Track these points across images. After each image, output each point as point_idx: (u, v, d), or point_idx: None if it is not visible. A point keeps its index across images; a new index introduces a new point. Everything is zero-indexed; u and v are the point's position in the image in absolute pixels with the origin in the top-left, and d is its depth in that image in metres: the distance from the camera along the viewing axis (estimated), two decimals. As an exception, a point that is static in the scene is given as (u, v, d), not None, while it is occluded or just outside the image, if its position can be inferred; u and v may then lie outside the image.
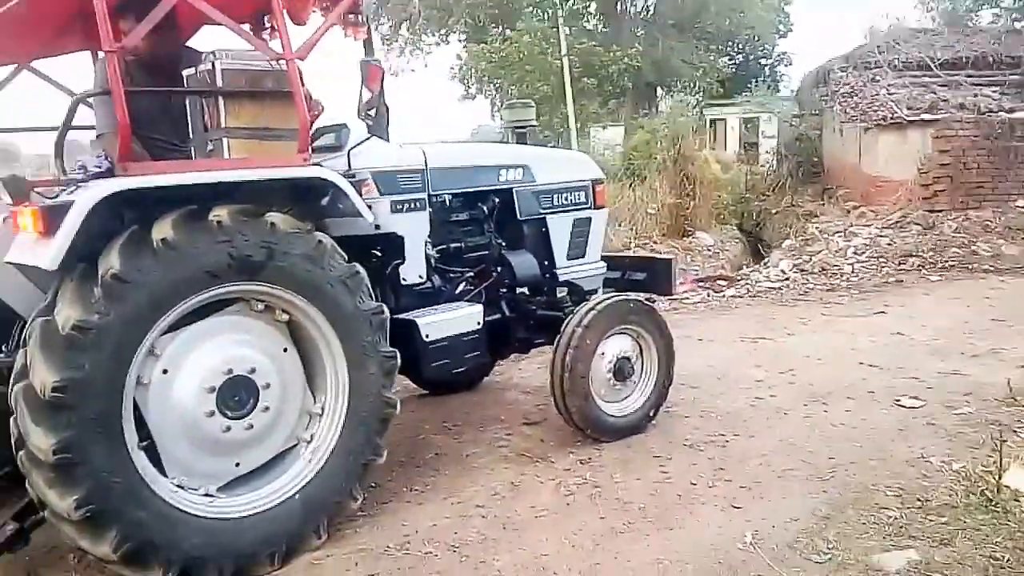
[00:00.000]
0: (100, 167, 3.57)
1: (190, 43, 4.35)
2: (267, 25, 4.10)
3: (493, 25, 24.90)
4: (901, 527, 3.57)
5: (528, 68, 21.89)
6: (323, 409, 3.68)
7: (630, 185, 14.79)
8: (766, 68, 33.02)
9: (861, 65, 15.30)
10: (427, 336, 4.23)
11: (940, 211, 11.56)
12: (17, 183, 3.28)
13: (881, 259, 10.40)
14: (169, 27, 3.82)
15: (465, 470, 4.50)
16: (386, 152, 4.35)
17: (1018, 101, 12.89)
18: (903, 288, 9.47)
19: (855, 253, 10.62)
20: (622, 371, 4.76)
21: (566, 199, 5.20)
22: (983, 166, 11.69)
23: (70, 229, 2.96)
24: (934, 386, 5.55)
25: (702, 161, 14.33)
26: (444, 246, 4.67)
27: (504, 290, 4.97)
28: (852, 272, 10.13)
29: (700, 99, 25.22)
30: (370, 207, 4.20)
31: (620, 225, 12.78)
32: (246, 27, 4.02)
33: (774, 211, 15.28)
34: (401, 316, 4.28)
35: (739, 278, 10.52)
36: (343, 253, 3.62)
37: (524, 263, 4.99)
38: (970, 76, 14.09)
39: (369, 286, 3.72)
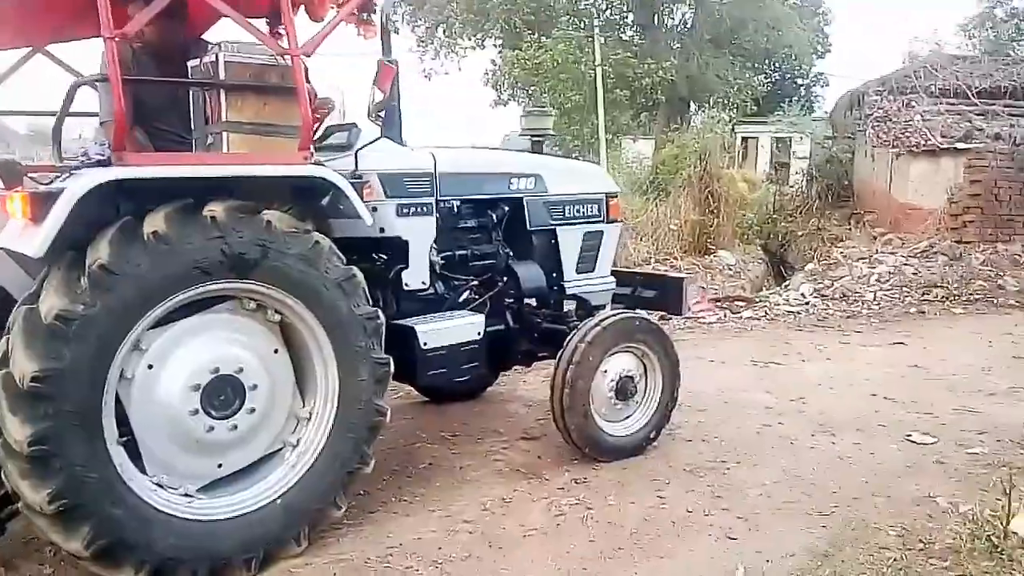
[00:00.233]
0: (102, 155, 3.53)
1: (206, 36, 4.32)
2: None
3: (529, 31, 24.82)
4: (900, 570, 3.45)
5: (561, 76, 21.85)
6: (311, 414, 3.61)
7: (655, 200, 14.65)
8: (802, 88, 32.66)
9: (897, 90, 15.02)
10: (425, 344, 4.16)
11: (968, 243, 11.30)
12: (11, 168, 3.24)
13: (905, 288, 10.18)
14: (179, 17, 3.79)
15: (457, 483, 4.41)
16: (395, 154, 4.28)
17: (1055, 134, 12.58)
18: (925, 319, 9.26)
19: (878, 281, 10.40)
20: (625, 390, 4.65)
21: (578, 211, 5.11)
22: (1014, 199, 11.42)
23: (58, 217, 2.91)
24: (947, 423, 5.38)
25: (728, 179, 14.15)
26: (450, 253, 4.59)
27: (509, 301, 4.88)
28: (874, 300, 9.92)
29: (733, 116, 24.99)
30: (375, 210, 4.15)
31: (642, 240, 12.66)
32: (261, 22, 3.98)
33: (800, 233, 15.03)
34: (400, 322, 4.21)
35: (757, 300, 10.34)
36: (341, 255, 3.55)
37: (531, 274, 4.90)
38: (1008, 106, 13.77)
39: (366, 290, 3.64)
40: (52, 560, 3.52)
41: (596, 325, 4.54)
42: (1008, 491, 3.83)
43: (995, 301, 9.96)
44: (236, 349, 3.39)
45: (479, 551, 3.64)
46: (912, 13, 46.38)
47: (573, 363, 4.44)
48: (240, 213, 3.25)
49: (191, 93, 3.72)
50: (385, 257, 4.34)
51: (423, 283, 4.38)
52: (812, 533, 3.79)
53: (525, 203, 4.87)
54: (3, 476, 3.05)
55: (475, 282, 4.74)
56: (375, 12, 4.04)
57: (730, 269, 12.85)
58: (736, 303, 10.01)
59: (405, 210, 4.27)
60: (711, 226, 13.26)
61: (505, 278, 4.84)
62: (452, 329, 4.29)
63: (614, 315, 4.69)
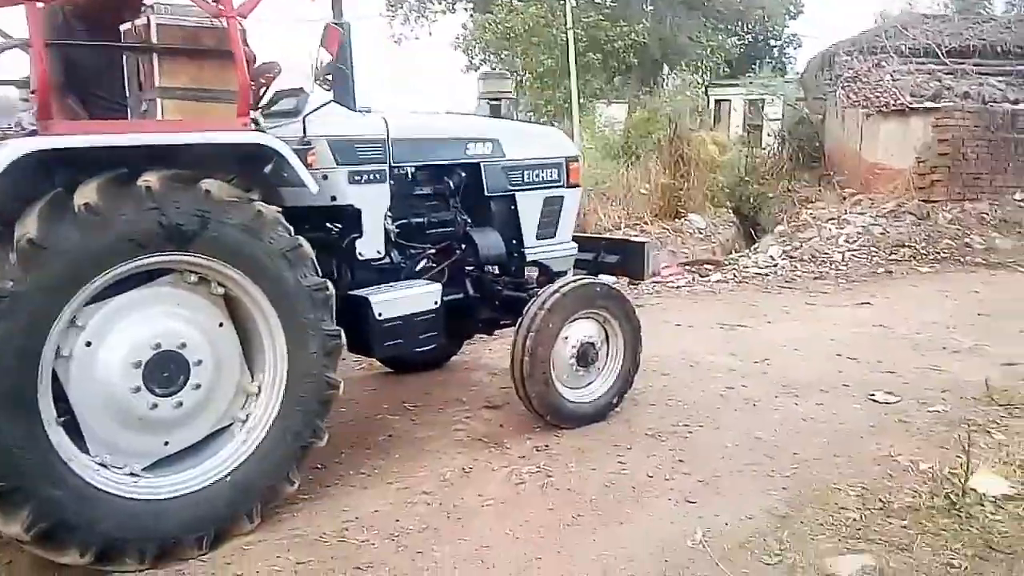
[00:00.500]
0: (36, 124, 3.39)
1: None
2: None
3: (500, -6, 24.47)
4: (859, 529, 3.45)
5: (533, 40, 21.56)
6: (260, 388, 3.52)
7: (627, 164, 14.56)
8: (775, 50, 32.51)
9: (867, 50, 15.00)
10: (380, 314, 4.07)
11: (936, 201, 11.34)
12: None
13: (872, 249, 10.21)
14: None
15: (417, 454, 4.35)
16: (345, 120, 4.16)
17: (1024, 92, 12.61)
18: (891, 279, 9.30)
19: (847, 241, 10.42)
20: (586, 356, 4.61)
21: (537, 176, 5.02)
22: (982, 157, 11.45)
23: None
24: (911, 381, 5.41)
25: (699, 142, 14.07)
26: (405, 221, 4.50)
27: (468, 269, 4.80)
28: (842, 261, 9.94)
29: (706, 79, 24.85)
30: (326, 177, 4.05)
31: (612, 205, 12.58)
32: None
33: (771, 196, 15.04)
34: (354, 293, 4.12)
35: (726, 263, 10.33)
36: (287, 225, 3.43)
37: (490, 241, 4.81)
38: (977, 65, 13.78)
39: (314, 260, 3.53)
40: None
41: (556, 292, 4.47)
42: (967, 448, 3.85)
43: (962, 260, 10.04)
44: (178, 324, 3.28)
45: (437, 523, 3.59)
46: (885, -28, 46.09)
47: (533, 330, 4.38)
48: (177, 183, 3.12)
49: (124, 58, 3.57)
50: (339, 226, 4.24)
51: (378, 252, 4.29)
52: (772, 495, 3.78)
53: (482, 168, 4.77)
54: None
55: (432, 250, 4.66)
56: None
57: (700, 233, 12.83)
58: (705, 267, 10.00)
59: (357, 177, 4.17)
60: (681, 190, 13.18)
61: (463, 246, 4.76)
62: (408, 299, 4.20)
63: (574, 281, 4.62)
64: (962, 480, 3.72)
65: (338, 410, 4.78)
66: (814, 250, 10.28)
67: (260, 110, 4.14)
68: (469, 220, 4.80)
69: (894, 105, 12.51)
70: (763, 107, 23.45)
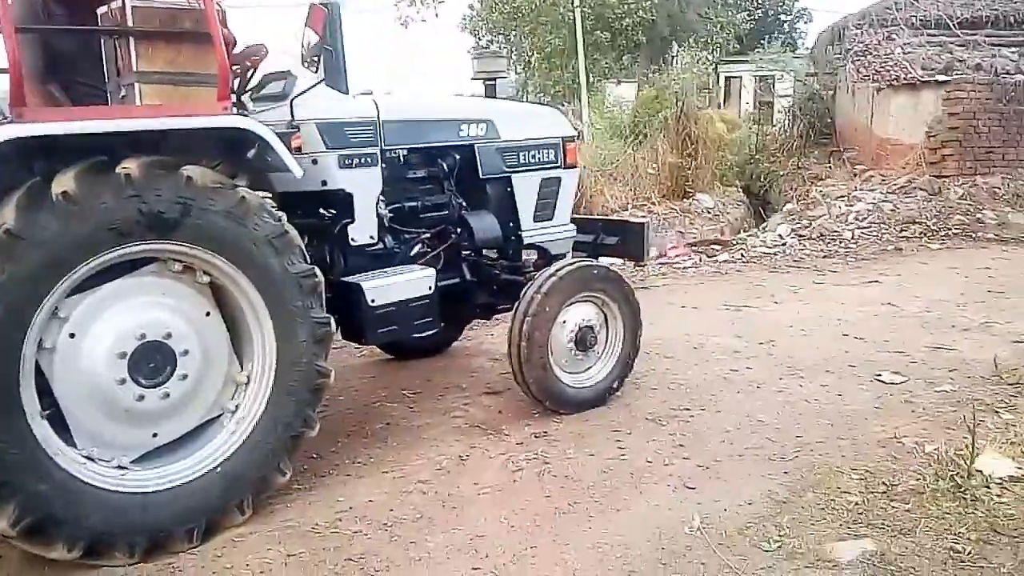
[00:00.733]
0: (17, 112, 3.32)
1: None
2: None
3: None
4: (861, 513, 3.37)
5: (541, 20, 21.38)
6: (249, 378, 3.46)
7: (634, 144, 14.40)
8: (785, 24, 32.14)
9: (878, 22, 14.72)
10: (373, 301, 4.01)
11: (948, 176, 11.15)
12: None
13: (883, 226, 10.06)
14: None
15: (414, 442, 4.30)
16: (334, 102, 4.07)
17: (1037, 63, 12.36)
18: (901, 256, 9.16)
19: (856, 219, 10.27)
20: (584, 340, 4.53)
21: (533, 157, 4.92)
22: (994, 130, 11.25)
23: None
24: (918, 361, 5.30)
25: (706, 120, 13.89)
26: (398, 205, 4.42)
27: (464, 253, 4.72)
28: (851, 239, 9.81)
29: (715, 55, 24.56)
30: (315, 162, 3.98)
31: (619, 184, 12.46)
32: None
33: (781, 173, 14.86)
34: (347, 279, 4.06)
35: (734, 242, 10.20)
36: (273, 211, 3.36)
37: (486, 224, 4.73)
38: (989, 36, 13.51)
39: (302, 247, 3.47)
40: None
41: (553, 275, 4.39)
42: (972, 429, 3.75)
43: (973, 235, 9.88)
44: (163, 313, 3.22)
45: (431, 512, 3.54)
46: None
47: (530, 315, 4.31)
48: (158, 169, 3.06)
49: (102, 43, 3.50)
50: (330, 211, 4.17)
51: (371, 237, 4.22)
52: (773, 479, 3.70)
53: (476, 150, 4.68)
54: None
55: (427, 235, 4.58)
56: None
57: (709, 212, 12.69)
58: (712, 247, 9.87)
59: (348, 161, 4.09)
60: (689, 169, 13.03)
61: (459, 229, 4.68)
62: (401, 284, 4.13)
63: (571, 264, 4.54)
64: (967, 462, 3.63)
65: (336, 398, 4.79)
66: (824, 228, 10.15)
67: (249, 93, 4.08)
68: (464, 203, 4.72)
69: (905, 79, 12.28)
70: (773, 83, 23.15)
